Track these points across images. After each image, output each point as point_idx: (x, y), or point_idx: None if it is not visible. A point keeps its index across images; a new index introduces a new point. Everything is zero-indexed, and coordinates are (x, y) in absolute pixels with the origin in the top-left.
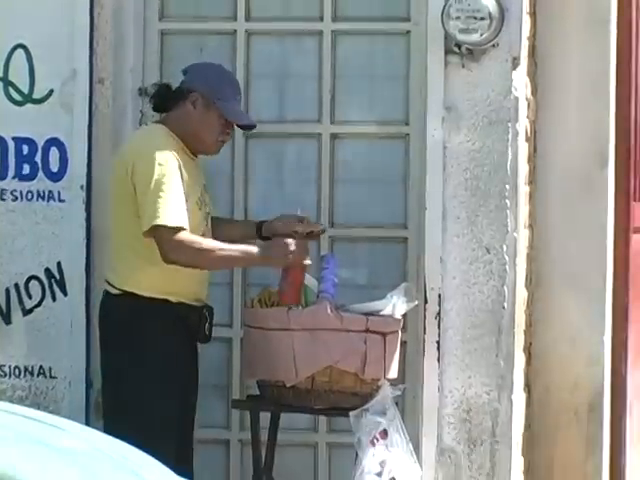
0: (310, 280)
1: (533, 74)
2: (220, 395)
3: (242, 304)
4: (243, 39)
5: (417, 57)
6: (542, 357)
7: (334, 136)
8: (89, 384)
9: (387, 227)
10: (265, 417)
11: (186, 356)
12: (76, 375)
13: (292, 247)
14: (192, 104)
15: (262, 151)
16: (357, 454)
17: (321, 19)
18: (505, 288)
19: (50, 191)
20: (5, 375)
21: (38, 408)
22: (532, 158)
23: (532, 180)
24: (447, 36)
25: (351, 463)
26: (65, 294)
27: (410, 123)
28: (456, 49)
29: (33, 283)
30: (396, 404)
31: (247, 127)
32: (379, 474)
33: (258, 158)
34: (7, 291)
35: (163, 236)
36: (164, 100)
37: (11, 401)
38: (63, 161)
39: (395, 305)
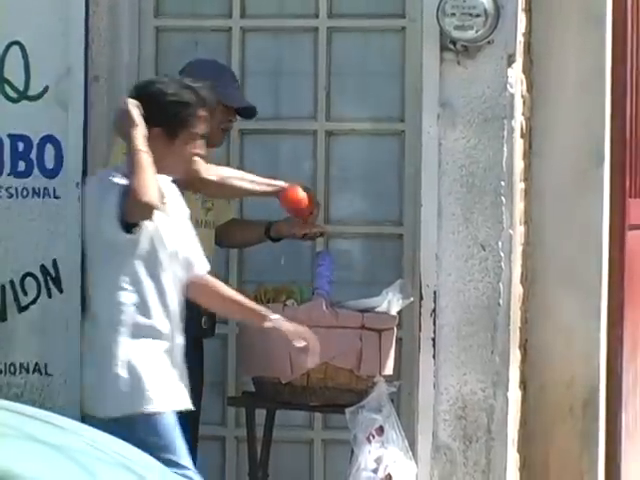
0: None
1: (528, 71)
2: (216, 392)
3: None
4: (238, 36)
5: (412, 54)
6: (538, 354)
7: (329, 133)
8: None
9: (382, 224)
10: (261, 414)
11: (192, 352)
12: (72, 372)
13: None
14: None
15: (257, 148)
16: (353, 451)
17: (316, 16)
18: (500, 285)
19: (45, 188)
20: (0, 372)
21: (34, 405)
22: (527, 155)
23: (527, 177)
24: (442, 33)
25: (347, 460)
26: (61, 291)
27: (405, 120)
28: (451, 46)
29: (29, 280)
30: (392, 401)
31: (248, 114)
32: (375, 471)
33: (253, 155)
34: (2, 288)
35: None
36: None
37: (7, 398)
38: (58, 158)
39: (390, 302)
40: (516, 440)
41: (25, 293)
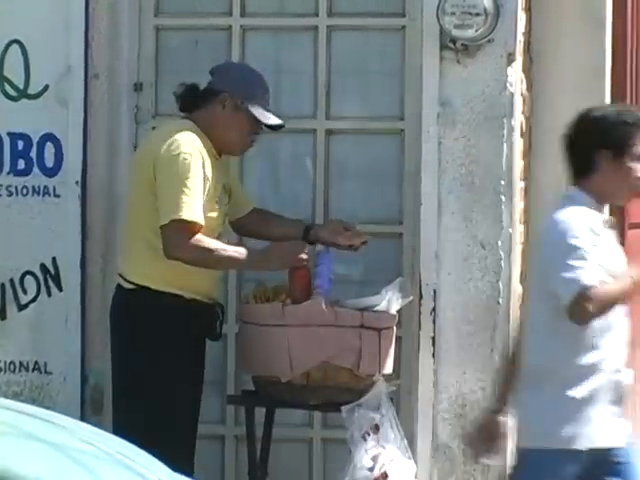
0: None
1: (528, 70)
2: (215, 391)
3: (237, 299)
4: (238, 35)
5: (412, 53)
6: None
7: (329, 132)
8: (84, 380)
9: (382, 223)
10: (260, 412)
11: (195, 352)
12: (71, 370)
13: (289, 251)
14: (221, 105)
15: (257, 146)
16: (351, 449)
17: (316, 15)
18: (500, 284)
19: (45, 186)
20: (0, 370)
21: (33, 403)
22: (527, 154)
23: (527, 176)
24: (442, 32)
25: (346, 458)
26: (60, 289)
27: (405, 119)
28: (451, 45)
29: (28, 278)
30: (391, 400)
31: (276, 127)
32: (371, 469)
33: (253, 153)
34: (2, 286)
35: (175, 230)
36: (192, 100)
37: (6, 396)
38: (58, 156)
39: (390, 301)
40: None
41: (25, 291)
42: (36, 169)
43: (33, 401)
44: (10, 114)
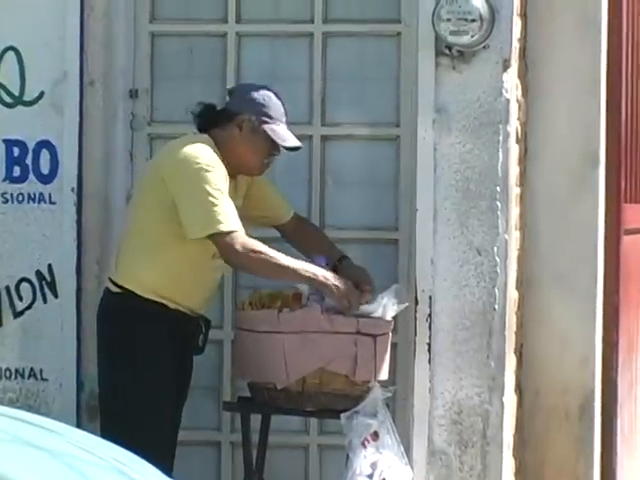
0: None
1: (524, 76)
2: (211, 397)
3: (233, 306)
4: (234, 41)
5: (408, 59)
6: (533, 359)
7: (325, 138)
8: (80, 386)
9: (378, 229)
10: (256, 419)
11: (176, 361)
12: (67, 377)
13: (346, 303)
14: (239, 127)
15: None
16: (348, 456)
17: (312, 21)
18: (496, 290)
19: (41, 193)
20: None
21: (29, 410)
22: (523, 160)
23: (523, 182)
24: (438, 38)
25: (342, 465)
26: (56, 296)
27: (401, 125)
28: (447, 51)
29: (24, 285)
30: (387, 406)
31: (293, 148)
32: (370, 476)
33: None
34: None
35: (225, 242)
36: (209, 119)
37: (2, 403)
38: (54, 163)
39: (386, 307)
40: (512, 445)
41: (20, 298)
42: (32, 176)
43: (29, 408)
44: (5, 121)
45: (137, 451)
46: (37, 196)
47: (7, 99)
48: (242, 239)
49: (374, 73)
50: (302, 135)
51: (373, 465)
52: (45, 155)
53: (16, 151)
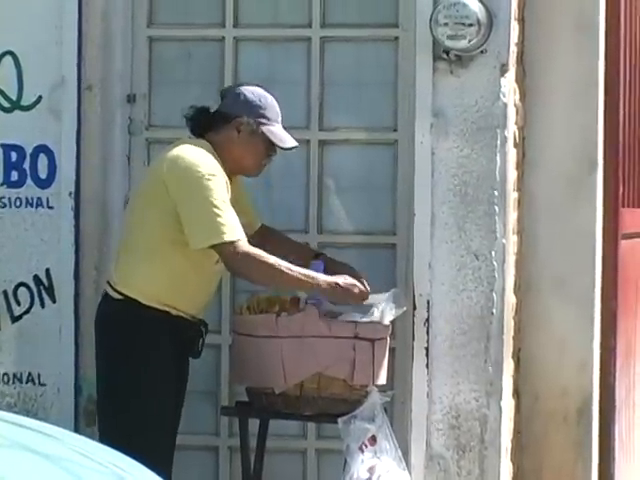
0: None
1: (521, 80)
2: (209, 402)
3: (230, 311)
4: (231, 46)
5: (405, 63)
6: (531, 363)
7: (322, 142)
8: (78, 391)
9: (375, 233)
10: (254, 423)
11: (177, 367)
12: (65, 382)
13: (356, 289)
14: (237, 129)
15: None
16: (346, 460)
17: (309, 25)
18: (494, 294)
19: (39, 198)
20: None
21: (27, 415)
22: (520, 164)
23: (520, 186)
24: (435, 42)
25: (340, 469)
26: (54, 301)
27: (398, 129)
28: (444, 55)
29: (22, 290)
30: (385, 410)
31: (290, 148)
32: None
33: None
34: None
35: (229, 251)
36: (204, 123)
37: (0, 408)
38: (51, 168)
39: (384, 311)
40: (509, 449)
41: (18, 303)
42: (29, 181)
43: (27, 412)
44: (3, 125)
45: (137, 457)
46: (35, 201)
47: (5, 104)
48: (246, 248)
49: (372, 77)
50: (300, 139)
51: (371, 470)
52: (43, 160)
53: (14, 156)
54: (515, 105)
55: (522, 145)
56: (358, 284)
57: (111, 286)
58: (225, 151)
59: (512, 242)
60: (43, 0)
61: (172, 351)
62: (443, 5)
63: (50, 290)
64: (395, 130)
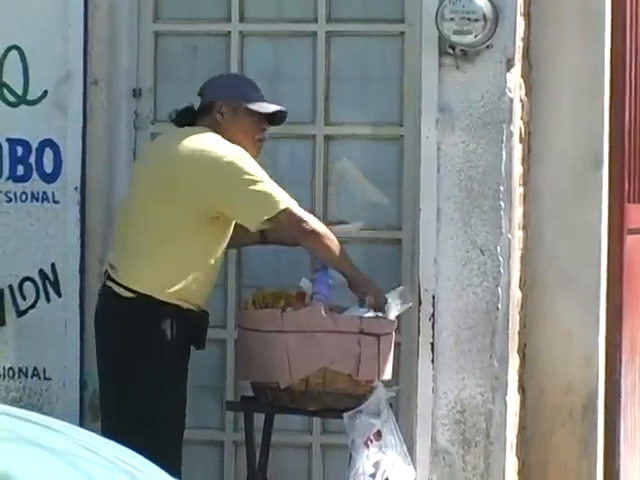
0: (305, 282)
1: (527, 75)
2: (214, 396)
3: (236, 305)
4: (237, 40)
5: (411, 58)
6: (536, 358)
7: (328, 137)
8: (83, 385)
9: (381, 228)
10: (259, 418)
11: (182, 361)
12: (70, 376)
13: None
14: (219, 113)
15: None
16: (351, 455)
17: (315, 20)
18: (499, 289)
19: (44, 192)
20: None
21: (32, 409)
22: (526, 159)
23: (526, 181)
24: (441, 37)
25: (345, 464)
26: (59, 295)
27: (404, 124)
28: (450, 50)
29: (27, 284)
30: (390, 405)
31: (277, 120)
32: (373, 475)
33: None
34: (1, 292)
35: (294, 217)
36: (190, 121)
37: (5, 402)
38: (57, 162)
39: (389, 307)
40: (515, 444)
41: (24, 297)
42: (35, 175)
43: (32, 407)
44: (9, 120)
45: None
46: (40, 195)
47: (11, 98)
48: (301, 212)
49: (377, 73)
50: (305, 134)
51: (376, 464)
52: (48, 154)
53: (19, 150)
54: (521, 100)
55: (528, 140)
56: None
57: (116, 282)
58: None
59: (518, 237)
60: None
61: (180, 344)
62: (449, 0)
63: (55, 284)
64: (401, 125)
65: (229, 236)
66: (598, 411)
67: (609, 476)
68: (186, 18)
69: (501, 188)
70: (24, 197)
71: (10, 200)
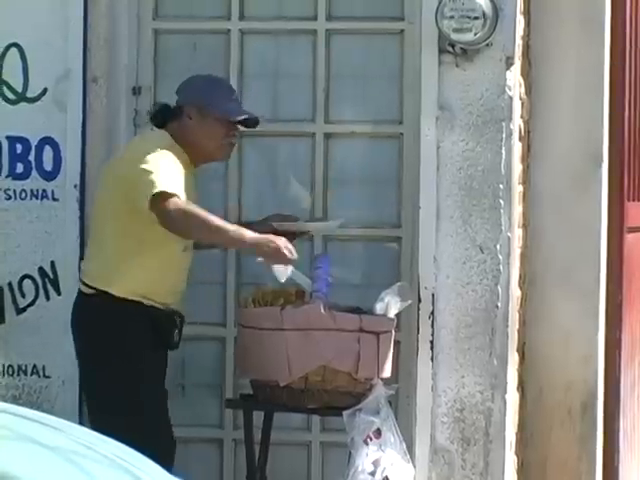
0: (303, 279)
1: (527, 73)
2: (213, 394)
3: (235, 303)
4: (237, 38)
5: (411, 56)
6: (535, 356)
7: (328, 135)
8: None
9: (381, 226)
10: (258, 416)
11: (154, 358)
12: (69, 374)
13: (282, 247)
14: (188, 116)
15: (256, 150)
16: (350, 453)
17: (315, 18)
18: (499, 287)
19: (44, 190)
20: None
21: (31, 407)
22: (526, 157)
23: (526, 179)
24: (441, 35)
25: (344, 462)
26: (59, 293)
27: (404, 122)
28: (450, 48)
29: (27, 282)
30: (390, 403)
31: (250, 123)
32: (372, 473)
33: (252, 157)
34: (1, 290)
35: (163, 203)
36: (164, 118)
37: (5, 400)
38: (57, 160)
39: (389, 304)
40: (514, 443)
41: (23, 295)
42: (34, 173)
43: (31, 404)
44: (9, 117)
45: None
46: (40, 193)
47: (10, 96)
48: (178, 201)
49: (377, 70)
50: (305, 132)
51: (375, 462)
52: (48, 152)
53: (19, 148)
54: (521, 98)
55: (527, 138)
56: (283, 248)
57: (82, 282)
58: (184, 139)
59: (517, 235)
60: None
61: (147, 342)
62: None
63: (55, 282)
64: (401, 123)
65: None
66: (597, 409)
67: (608, 474)
68: (186, 16)
69: (501, 186)
70: (23, 195)
71: (9, 198)
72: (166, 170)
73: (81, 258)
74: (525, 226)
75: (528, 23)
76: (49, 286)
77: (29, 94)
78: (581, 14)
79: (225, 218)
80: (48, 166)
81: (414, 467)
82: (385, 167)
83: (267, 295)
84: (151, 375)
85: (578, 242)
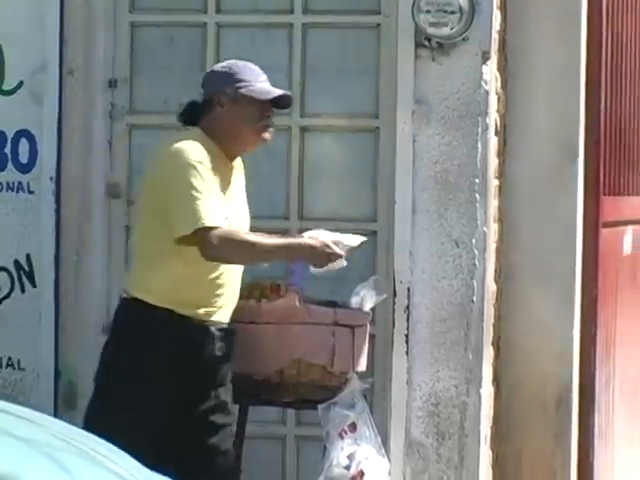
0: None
1: (503, 68)
2: None
3: None
4: (213, 31)
5: (387, 50)
6: (511, 351)
7: (304, 129)
8: (57, 376)
9: (356, 220)
10: (233, 409)
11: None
12: (45, 367)
13: (331, 254)
14: (219, 105)
15: None
16: (325, 447)
17: (291, 12)
18: (474, 282)
19: (19, 182)
20: None
21: (6, 400)
22: (502, 152)
23: (502, 174)
24: (417, 29)
25: (319, 456)
26: (34, 286)
27: (380, 116)
28: (426, 43)
29: (2, 275)
30: (365, 397)
31: (283, 103)
32: (347, 467)
33: None
34: None
35: (204, 237)
36: (195, 115)
37: None
38: (33, 152)
39: (364, 298)
40: (489, 437)
41: None
42: (10, 165)
43: (6, 397)
44: None
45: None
46: (16, 185)
47: None
48: (219, 232)
49: (353, 64)
50: (281, 126)
51: (350, 456)
52: (24, 144)
53: None
54: (497, 93)
55: (503, 133)
56: (330, 248)
57: (125, 290)
58: (220, 130)
59: (493, 230)
60: None
61: (174, 352)
62: None
63: (30, 275)
64: (376, 117)
65: None
66: (572, 404)
67: (583, 468)
68: (162, 9)
69: (476, 181)
70: None
71: None
72: (205, 194)
73: (57, 250)
74: (501, 220)
75: (505, 18)
76: (25, 279)
77: (5, 87)
78: (558, 9)
79: None
80: (24, 159)
81: (389, 461)
82: (361, 161)
83: (243, 289)
84: (160, 396)
85: (554, 236)
